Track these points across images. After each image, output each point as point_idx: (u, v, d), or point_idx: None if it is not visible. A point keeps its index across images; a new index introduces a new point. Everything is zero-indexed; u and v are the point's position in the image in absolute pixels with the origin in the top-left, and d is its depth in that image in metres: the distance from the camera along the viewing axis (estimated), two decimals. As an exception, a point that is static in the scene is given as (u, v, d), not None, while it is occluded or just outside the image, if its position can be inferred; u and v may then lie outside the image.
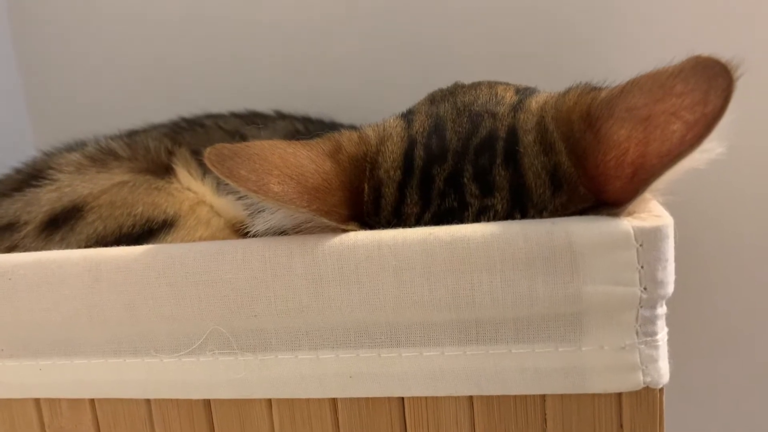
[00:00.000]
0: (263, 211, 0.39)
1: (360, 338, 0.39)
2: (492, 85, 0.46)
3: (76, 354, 0.43)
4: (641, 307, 0.35)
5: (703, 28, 0.69)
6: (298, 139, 0.42)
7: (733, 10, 0.67)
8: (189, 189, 0.55)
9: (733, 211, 0.71)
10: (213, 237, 0.52)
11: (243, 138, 0.65)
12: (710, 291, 0.73)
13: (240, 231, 0.52)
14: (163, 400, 0.43)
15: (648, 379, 0.36)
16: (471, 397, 0.39)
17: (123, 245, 0.43)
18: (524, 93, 0.44)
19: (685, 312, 0.72)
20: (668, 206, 0.38)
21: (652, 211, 0.36)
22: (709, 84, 0.32)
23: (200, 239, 0.52)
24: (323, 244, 0.38)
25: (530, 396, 0.38)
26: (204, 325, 0.40)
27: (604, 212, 0.36)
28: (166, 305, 0.40)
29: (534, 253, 0.35)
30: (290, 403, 0.41)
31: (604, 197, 0.37)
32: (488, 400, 0.39)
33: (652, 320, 0.35)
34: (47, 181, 0.54)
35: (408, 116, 0.45)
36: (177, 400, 0.43)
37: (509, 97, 0.44)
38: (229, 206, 0.54)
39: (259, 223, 0.39)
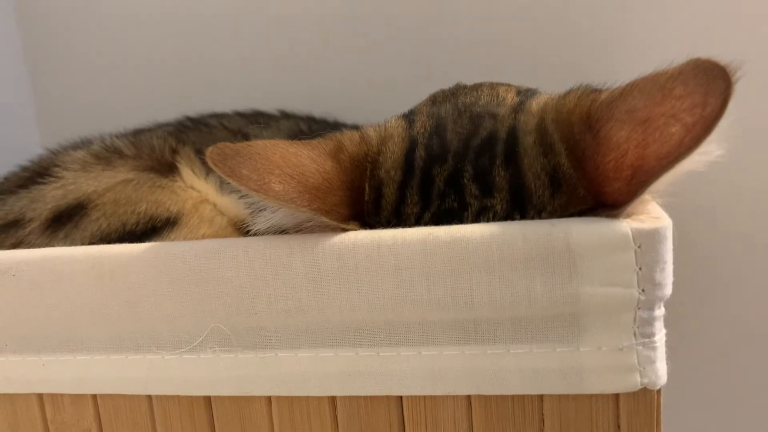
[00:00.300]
0: (264, 209, 0.39)
1: (359, 337, 0.39)
2: (494, 86, 0.46)
3: (78, 350, 0.43)
4: (639, 308, 0.35)
5: (703, 28, 0.69)
6: (301, 139, 0.42)
7: (734, 11, 0.67)
8: (192, 187, 0.56)
9: (732, 213, 0.71)
10: (216, 235, 0.53)
11: (246, 137, 0.65)
12: (708, 293, 0.73)
13: (242, 229, 0.52)
14: (164, 396, 0.44)
15: (645, 381, 0.36)
16: (469, 397, 0.39)
17: (126, 243, 0.43)
18: (525, 94, 0.45)
19: (683, 314, 0.72)
20: (667, 208, 0.38)
21: (651, 213, 0.36)
22: (708, 87, 0.32)
23: (203, 237, 0.52)
24: (323, 243, 0.38)
25: (528, 396, 0.38)
26: (205, 322, 0.40)
27: (603, 213, 0.37)
28: (168, 302, 0.40)
29: (533, 253, 0.35)
30: (290, 400, 0.42)
31: (603, 199, 0.37)
32: (486, 399, 0.39)
33: (649, 322, 0.36)
34: (52, 179, 0.55)
35: (409, 117, 0.45)
36: (178, 396, 0.43)
37: (510, 98, 0.44)
38: (231, 205, 0.55)
39: (260, 222, 0.39)
